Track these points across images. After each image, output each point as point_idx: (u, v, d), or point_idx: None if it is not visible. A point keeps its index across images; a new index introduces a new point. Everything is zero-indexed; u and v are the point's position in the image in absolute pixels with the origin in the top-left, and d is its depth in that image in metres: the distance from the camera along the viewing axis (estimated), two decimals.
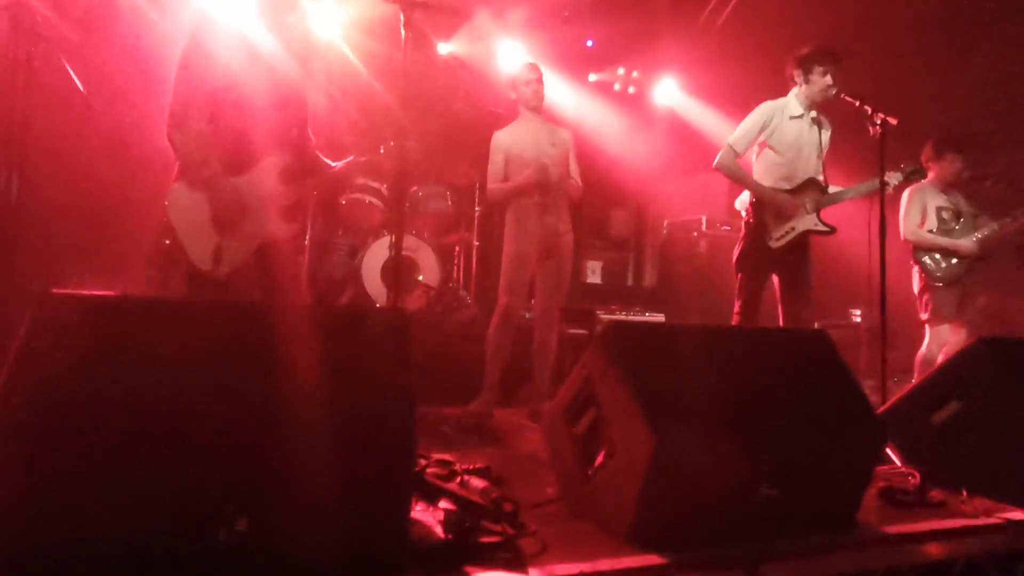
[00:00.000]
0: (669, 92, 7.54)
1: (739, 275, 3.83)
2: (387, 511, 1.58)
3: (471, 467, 2.08)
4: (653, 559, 1.73)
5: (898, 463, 2.63)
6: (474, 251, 5.95)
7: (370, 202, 5.27)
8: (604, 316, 5.16)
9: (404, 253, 4.73)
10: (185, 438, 1.45)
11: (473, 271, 5.96)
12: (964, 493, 2.41)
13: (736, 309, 3.81)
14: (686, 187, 7.41)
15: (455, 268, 5.89)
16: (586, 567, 1.66)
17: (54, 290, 1.50)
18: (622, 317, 5.28)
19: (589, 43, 7.18)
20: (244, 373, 1.56)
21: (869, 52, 4.91)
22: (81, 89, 3.88)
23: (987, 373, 2.58)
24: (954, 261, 4.32)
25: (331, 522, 1.52)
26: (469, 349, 4.63)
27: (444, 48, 6.36)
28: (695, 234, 6.41)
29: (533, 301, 3.98)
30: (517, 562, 1.64)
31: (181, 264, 2.65)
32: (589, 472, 2.02)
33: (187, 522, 1.41)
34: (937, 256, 4.35)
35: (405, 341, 1.75)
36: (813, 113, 3.81)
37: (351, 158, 3.14)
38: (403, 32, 2.89)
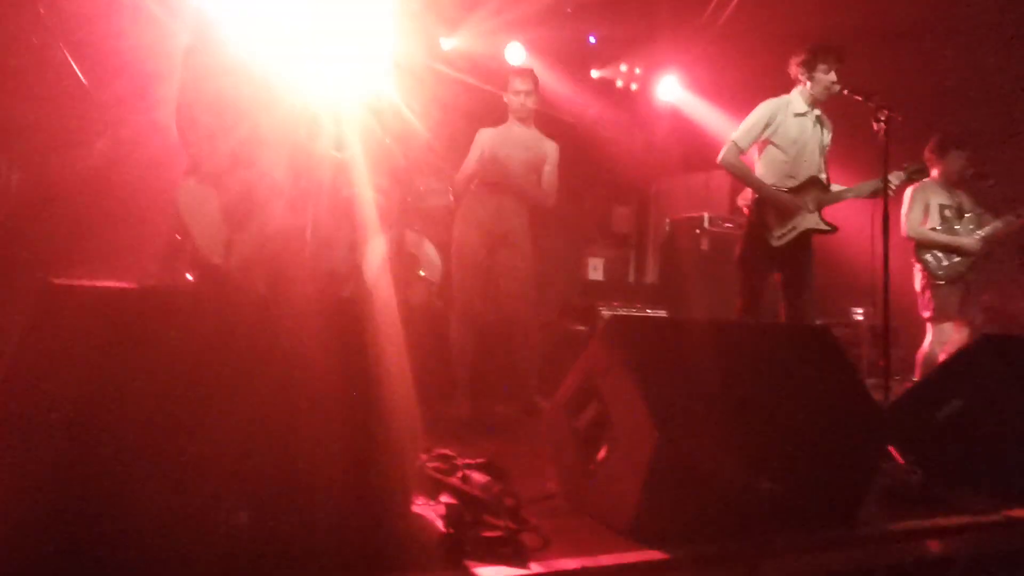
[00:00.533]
0: (671, 89, 7.52)
1: (741, 273, 3.82)
2: (389, 506, 1.58)
3: (472, 461, 2.08)
4: (655, 554, 1.73)
5: (901, 460, 2.62)
6: None
7: (373, 198, 5.26)
8: (606, 312, 5.15)
9: (405, 249, 4.72)
10: (187, 430, 1.45)
11: None
12: (966, 490, 2.41)
13: (738, 306, 3.81)
14: (688, 184, 7.40)
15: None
16: (588, 562, 1.66)
17: (55, 281, 1.50)
18: (625, 312, 5.28)
19: (591, 39, 7.16)
20: (247, 366, 1.55)
21: (871, 49, 4.89)
22: (83, 81, 3.87)
23: (989, 371, 2.58)
24: (956, 259, 4.31)
25: (333, 516, 1.52)
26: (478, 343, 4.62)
27: (447, 43, 6.35)
28: (697, 231, 6.39)
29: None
30: (519, 557, 1.64)
31: (189, 258, 2.65)
32: (591, 467, 2.02)
33: (189, 515, 1.41)
34: (939, 254, 4.34)
35: (407, 334, 1.74)
36: (817, 111, 3.80)
37: (357, 148, 3.11)
38: (410, 25, 2.87)
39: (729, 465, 1.87)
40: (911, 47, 5.66)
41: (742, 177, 3.80)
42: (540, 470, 2.34)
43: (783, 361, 2.20)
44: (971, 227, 4.36)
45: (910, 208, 4.40)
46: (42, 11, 3.83)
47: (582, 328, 5.13)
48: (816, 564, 1.85)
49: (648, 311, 5.46)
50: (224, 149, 2.60)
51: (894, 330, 3.73)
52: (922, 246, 4.37)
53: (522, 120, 3.85)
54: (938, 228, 4.36)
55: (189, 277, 3.17)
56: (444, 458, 2.07)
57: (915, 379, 4.08)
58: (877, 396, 3.04)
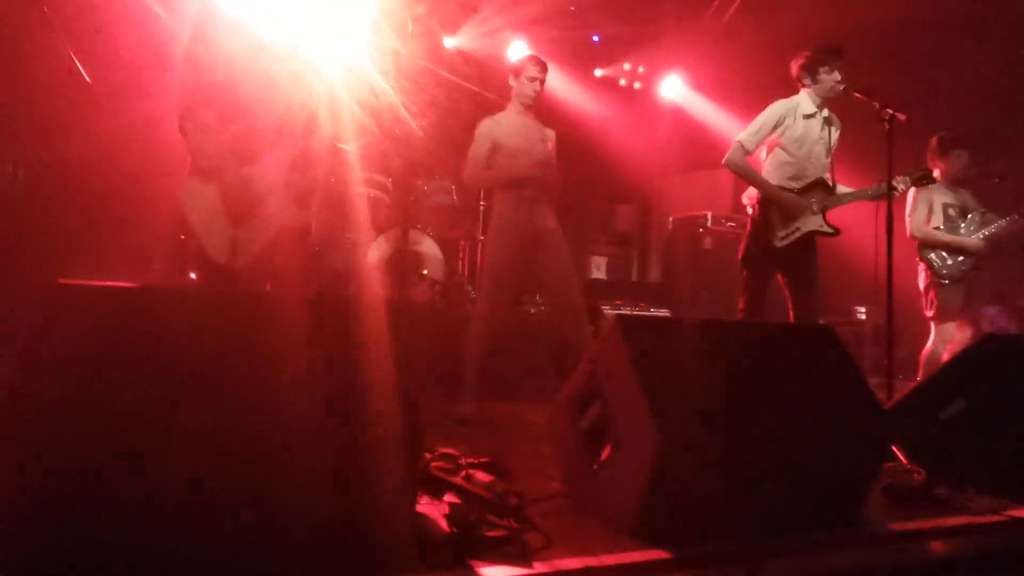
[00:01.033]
0: (674, 88, 7.52)
1: (744, 272, 3.82)
2: (392, 505, 1.58)
3: (475, 461, 2.08)
4: (658, 554, 1.73)
5: (904, 460, 2.62)
6: (478, 245, 5.95)
7: (375, 196, 5.27)
8: (609, 311, 5.15)
9: (408, 247, 4.73)
10: (193, 429, 1.45)
11: (477, 265, 5.96)
12: (969, 490, 2.41)
13: (740, 306, 3.81)
14: (691, 183, 7.40)
15: (459, 262, 5.89)
16: (591, 562, 1.66)
17: (63, 281, 1.50)
18: (627, 312, 5.28)
19: (595, 38, 7.16)
20: (252, 365, 1.56)
21: (875, 49, 4.89)
22: (87, 79, 3.88)
23: (993, 371, 2.58)
24: (960, 258, 4.30)
25: (336, 516, 1.52)
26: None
27: (450, 42, 6.35)
28: (700, 230, 6.40)
29: (539, 297, 3.94)
30: (522, 556, 1.64)
31: (194, 258, 2.66)
32: (594, 466, 2.02)
33: (195, 515, 1.41)
34: (943, 253, 4.33)
35: (411, 334, 1.75)
36: (826, 112, 3.79)
37: (363, 141, 3.10)
38: (410, 25, 2.87)
39: (732, 465, 1.87)
40: (915, 45, 5.66)
41: (748, 178, 3.80)
42: (543, 470, 2.35)
43: (787, 361, 2.19)
44: (975, 226, 4.35)
45: (914, 207, 4.40)
46: (47, 10, 3.84)
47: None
48: (819, 564, 1.84)
49: (651, 310, 5.46)
50: (224, 144, 2.60)
51: (897, 329, 3.73)
52: (926, 245, 4.37)
53: (527, 108, 3.83)
54: (942, 227, 4.36)
55: (192, 277, 3.18)
56: (448, 457, 2.07)
57: (918, 379, 4.08)
58: (880, 396, 3.04)
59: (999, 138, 5.14)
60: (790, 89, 3.86)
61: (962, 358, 2.70)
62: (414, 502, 1.66)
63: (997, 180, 4.56)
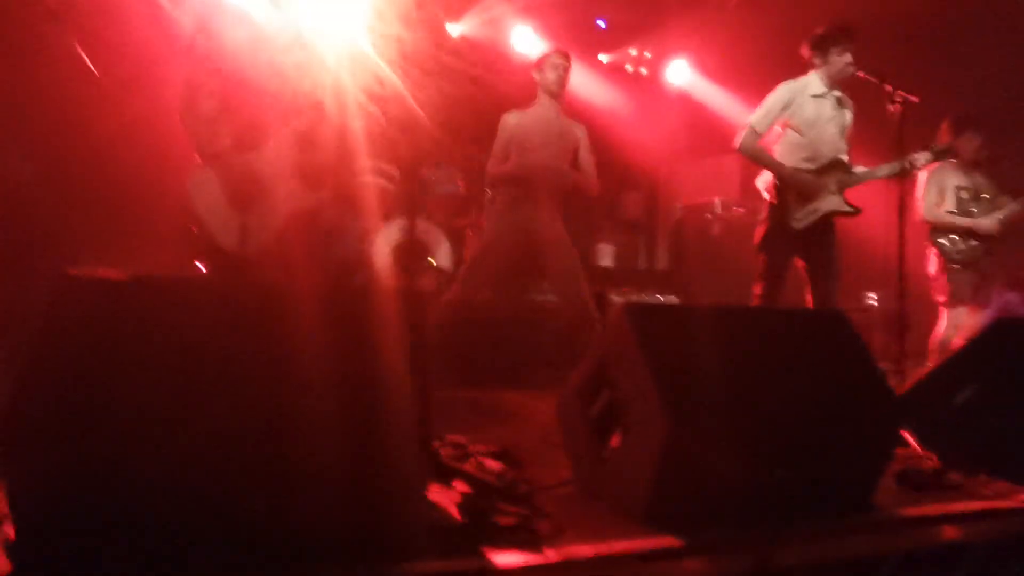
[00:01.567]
0: (681, 73, 7.46)
1: (761, 257, 3.76)
2: (403, 493, 1.59)
3: (485, 449, 2.08)
4: (668, 540, 1.73)
5: (916, 446, 2.61)
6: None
7: (382, 185, 5.26)
8: (616, 299, 5.14)
9: (415, 236, 4.73)
10: (204, 419, 1.45)
11: None
12: (982, 476, 2.39)
13: (757, 292, 3.76)
14: (699, 169, 7.36)
15: (466, 251, 5.88)
16: (602, 548, 1.66)
17: (70, 272, 1.50)
18: (636, 299, 5.27)
19: (600, 23, 7.10)
20: (263, 354, 1.56)
21: (885, 31, 4.83)
22: (94, 71, 3.87)
23: (1006, 356, 2.56)
24: (972, 243, 4.26)
25: (347, 504, 1.52)
26: (482, 332, 4.63)
27: (455, 29, 6.31)
28: (708, 216, 6.37)
29: (547, 285, 3.92)
30: (533, 543, 1.64)
31: (203, 247, 2.66)
32: (604, 454, 2.02)
33: (205, 504, 1.42)
34: (955, 237, 4.29)
35: (421, 321, 1.75)
36: (837, 92, 3.74)
37: (369, 128, 3.06)
38: (415, 12, 2.85)
39: (742, 451, 1.86)
40: (926, 26, 5.59)
41: (761, 161, 3.76)
42: (553, 457, 2.34)
43: (797, 346, 2.18)
44: (988, 209, 4.30)
45: (925, 191, 4.35)
46: (52, 2, 3.83)
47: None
48: (830, 550, 1.84)
49: (659, 297, 5.44)
50: (224, 132, 2.60)
51: (907, 315, 3.70)
52: (937, 229, 4.32)
53: (553, 96, 3.79)
54: (954, 211, 4.31)
55: (201, 266, 3.18)
56: (457, 445, 2.07)
57: (929, 364, 4.05)
58: (891, 381, 3.02)
59: (1010, 120, 5.08)
60: (799, 72, 3.82)
61: (975, 343, 2.68)
62: (426, 487, 1.66)
63: (1008, 163, 4.51)
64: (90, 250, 4.39)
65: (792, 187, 3.66)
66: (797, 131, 3.71)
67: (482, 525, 1.67)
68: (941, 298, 4.33)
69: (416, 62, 3.01)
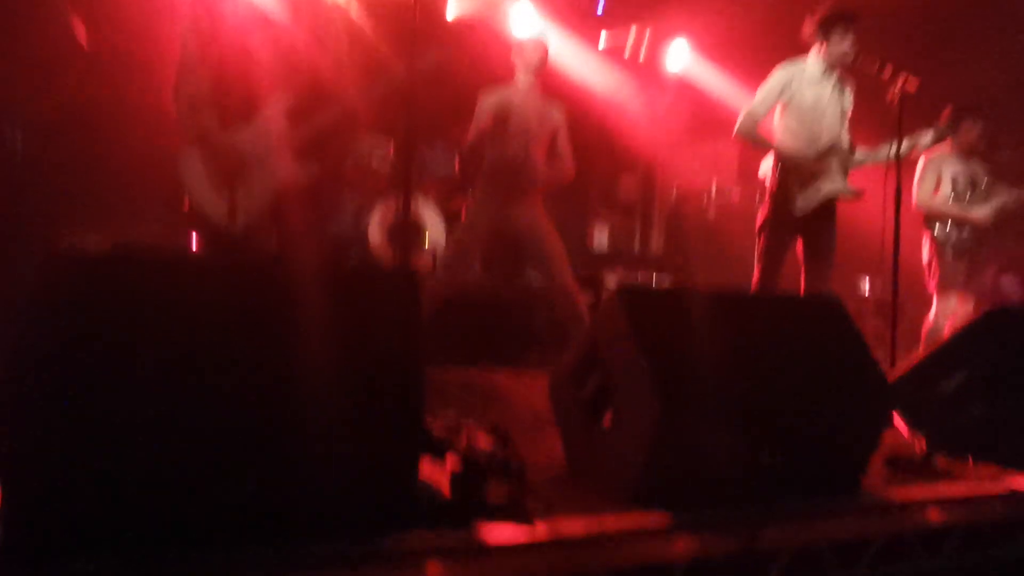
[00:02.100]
0: (681, 55, 7.40)
1: (761, 240, 3.76)
2: (395, 468, 1.59)
3: (478, 426, 2.09)
4: (658, 518, 1.74)
5: (905, 430, 2.63)
6: None
7: (376, 163, 5.24)
8: (611, 280, 5.15)
9: (410, 215, 4.71)
10: (194, 395, 1.45)
11: None
12: (970, 461, 2.42)
13: (756, 275, 3.77)
14: (696, 153, 7.33)
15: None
16: (592, 524, 1.68)
17: (60, 247, 1.50)
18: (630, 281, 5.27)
19: (600, 6, 7.05)
20: (255, 330, 1.56)
21: (886, 16, 4.80)
22: (83, 44, 3.83)
23: (996, 343, 2.58)
24: (966, 231, 4.27)
25: (340, 479, 1.53)
26: (475, 312, 4.63)
27: (453, 8, 6.25)
28: (704, 200, 6.37)
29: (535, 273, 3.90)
30: (524, 520, 1.65)
31: (197, 222, 2.66)
32: (595, 434, 2.03)
33: (196, 480, 1.42)
34: (949, 225, 4.30)
35: (415, 301, 1.74)
36: (835, 74, 3.72)
37: (370, 91, 3.01)
38: None
39: (733, 433, 1.88)
40: (927, 14, 5.56)
41: (760, 146, 3.74)
42: (545, 437, 2.36)
43: (791, 330, 2.19)
44: (983, 198, 4.31)
45: (922, 178, 4.36)
46: None
47: (587, 296, 5.13)
48: (818, 531, 1.86)
49: (653, 279, 5.45)
50: (209, 113, 2.60)
51: (900, 302, 3.72)
52: (932, 217, 4.34)
53: (531, 84, 3.74)
54: (949, 199, 4.32)
55: (194, 240, 3.17)
56: (450, 421, 2.08)
57: (920, 350, 4.08)
58: (883, 366, 3.04)
59: (1009, 110, 5.08)
60: (799, 56, 3.79)
61: (966, 330, 2.70)
62: (418, 463, 1.67)
63: (1006, 152, 4.52)
64: (82, 221, 4.38)
65: (793, 170, 3.64)
66: (796, 114, 3.69)
67: (473, 501, 1.68)
68: (933, 285, 4.35)
69: (415, 41, 2.97)
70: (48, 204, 4.19)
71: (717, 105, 6.86)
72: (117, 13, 4.46)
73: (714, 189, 6.36)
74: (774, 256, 3.71)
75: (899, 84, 3.41)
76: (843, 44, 3.61)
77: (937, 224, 4.32)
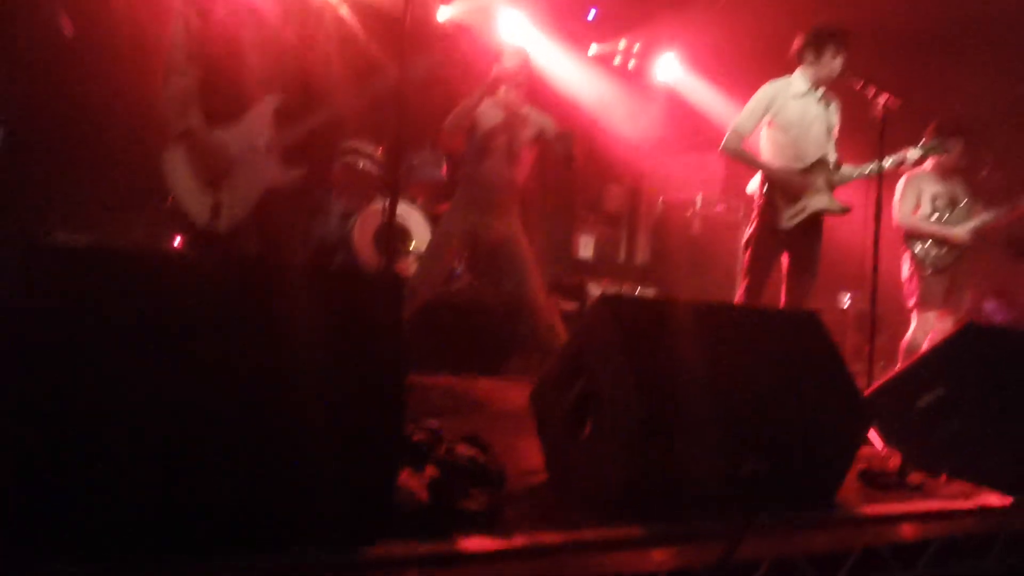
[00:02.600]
0: (669, 68, 7.46)
1: (747, 254, 3.79)
2: (375, 476, 1.59)
3: (458, 434, 2.09)
4: (637, 530, 1.75)
5: (880, 445, 2.66)
6: None
7: (364, 166, 5.23)
8: (596, 290, 5.17)
9: (397, 220, 4.70)
10: (171, 397, 1.44)
11: None
12: (943, 476, 2.45)
13: (741, 288, 3.80)
14: (683, 165, 7.38)
15: None
16: (571, 536, 1.68)
17: (38, 241, 1.48)
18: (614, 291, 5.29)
19: (591, 14, 7.09)
20: (234, 332, 1.54)
21: (869, 35, 4.87)
22: (68, 36, 3.80)
23: (971, 361, 2.61)
24: (944, 249, 4.33)
25: (318, 485, 1.52)
26: (458, 318, 4.63)
27: (444, 13, 6.27)
28: (689, 212, 6.41)
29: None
30: (502, 529, 1.65)
31: (179, 221, 2.65)
32: (576, 443, 2.04)
33: (175, 486, 1.41)
34: (928, 243, 4.36)
35: (398, 307, 1.74)
36: (821, 91, 3.76)
37: (353, 105, 3.00)
38: None
39: (713, 444, 1.89)
40: (910, 34, 5.65)
41: (746, 162, 3.77)
42: (525, 446, 2.36)
43: (770, 344, 2.21)
44: (962, 217, 4.37)
45: (902, 197, 4.41)
46: None
47: (571, 305, 5.15)
48: (794, 544, 1.88)
49: (638, 290, 5.48)
50: (195, 110, 2.59)
51: (879, 317, 3.76)
52: (912, 235, 4.39)
53: (508, 95, 3.64)
54: (929, 217, 4.38)
55: (177, 240, 3.14)
56: (430, 430, 2.07)
57: (898, 366, 4.13)
58: (861, 382, 3.07)
59: (989, 130, 5.17)
60: (787, 71, 3.83)
61: (942, 347, 2.73)
62: (397, 472, 1.66)
63: (985, 173, 4.58)
64: (64, 217, 4.33)
65: (779, 186, 3.68)
66: (782, 130, 3.73)
67: (452, 510, 1.68)
68: (911, 302, 4.40)
69: (404, 42, 2.96)
70: (29, 200, 4.14)
71: (704, 117, 6.93)
72: (105, 6, 4.43)
73: (699, 201, 6.40)
74: (760, 270, 3.74)
75: (882, 102, 3.46)
76: (833, 63, 3.65)
77: (917, 242, 4.37)
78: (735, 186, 6.31)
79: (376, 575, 1.45)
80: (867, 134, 3.61)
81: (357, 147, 5.22)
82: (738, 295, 3.82)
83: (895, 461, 2.50)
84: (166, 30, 2.66)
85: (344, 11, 5.05)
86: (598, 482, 1.91)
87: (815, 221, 3.70)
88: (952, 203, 4.41)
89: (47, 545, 1.30)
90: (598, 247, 7.21)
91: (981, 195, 4.47)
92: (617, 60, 7.35)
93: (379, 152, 5.28)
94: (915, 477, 2.43)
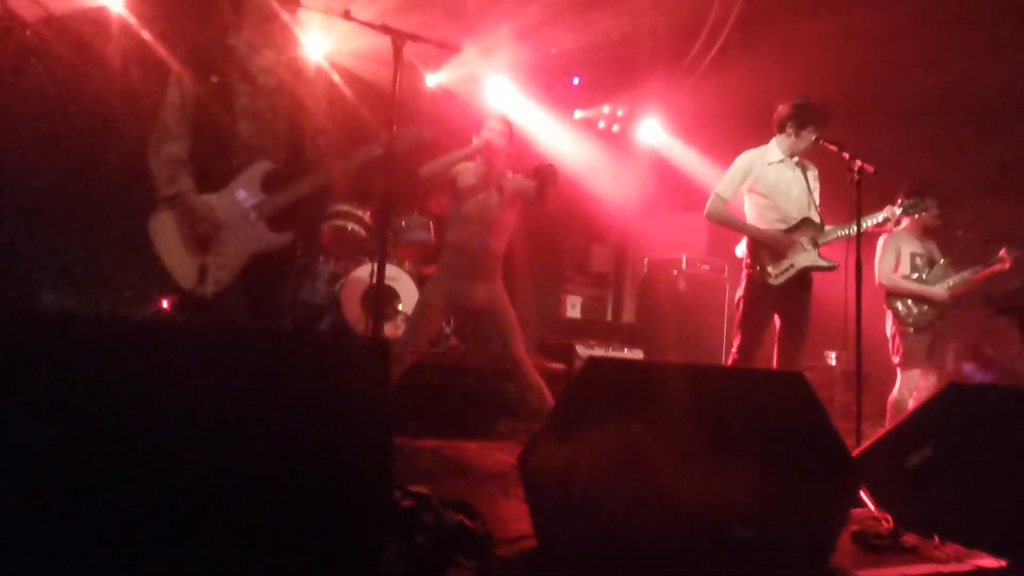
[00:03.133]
0: (652, 132, 7.66)
1: (739, 312, 3.85)
2: (361, 543, 1.56)
3: (446, 500, 2.06)
4: None
5: (872, 507, 2.64)
6: None
7: (352, 229, 5.27)
8: (583, 351, 5.17)
9: (385, 282, 4.72)
10: (154, 462, 1.42)
11: None
12: (936, 538, 2.42)
13: (735, 346, 3.83)
14: (667, 225, 7.51)
15: None
16: None
17: (25, 307, 1.48)
18: (601, 352, 5.30)
19: (575, 80, 7.31)
20: (220, 397, 1.53)
21: (843, 100, 5.05)
22: (61, 103, 3.86)
23: (957, 418, 2.62)
24: (925, 307, 4.40)
25: (304, 552, 1.49)
26: (446, 381, 4.61)
27: (432, 79, 6.44)
28: (675, 272, 6.47)
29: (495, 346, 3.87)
30: None
31: (166, 284, 2.65)
32: (566, 508, 2.01)
33: (160, 545, 1.38)
34: (909, 301, 4.43)
35: (385, 371, 1.74)
36: (795, 159, 3.89)
37: (341, 169, 3.01)
38: (394, 62, 2.91)
39: (702, 509, 1.87)
40: (883, 98, 5.85)
41: (730, 225, 3.89)
42: (514, 511, 2.33)
43: (757, 406, 2.21)
44: (940, 276, 4.46)
45: (882, 256, 4.51)
46: (28, 33, 3.84)
47: (559, 366, 5.14)
48: None
49: (625, 350, 5.49)
50: (184, 174, 2.63)
51: (866, 374, 3.78)
52: (893, 293, 4.47)
53: (488, 161, 3.69)
54: (910, 276, 4.46)
55: (164, 304, 3.13)
56: (417, 496, 2.04)
57: (885, 424, 4.13)
58: (849, 441, 3.07)
59: (961, 192, 5.32)
60: (764, 133, 3.97)
61: (928, 405, 2.74)
62: (383, 540, 1.63)
63: (960, 232, 4.70)
64: (52, 278, 4.32)
65: (764, 245, 3.77)
66: (763, 196, 3.86)
67: None
68: (896, 359, 4.44)
69: (394, 107, 3.03)
70: (17, 262, 4.14)
71: (687, 179, 7.09)
72: (106, 74, 4.53)
73: (684, 261, 6.48)
74: (753, 328, 3.80)
75: (857, 166, 3.57)
76: (810, 139, 3.81)
77: (898, 301, 4.44)
78: (719, 246, 6.42)
79: None
80: (844, 196, 3.71)
81: (345, 210, 5.28)
82: (732, 353, 3.85)
83: (888, 523, 2.48)
84: (159, 94, 2.71)
85: (335, 77, 5.18)
86: (589, 548, 1.88)
87: (804, 280, 3.78)
88: (930, 262, 4.51)
89: None
90: (585, 307, 7.26)
91: (957, 255, 4.58)
92: (601, 124, 7.55)
93: (367, 215, 5.34)
94: (909, 539, 2.40)
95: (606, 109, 7.52)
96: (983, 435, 2.56)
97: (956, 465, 2.52)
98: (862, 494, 2.64)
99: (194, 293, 2.62)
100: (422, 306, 3.73)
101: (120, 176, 4.32)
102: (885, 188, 4.06)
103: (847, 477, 2.23)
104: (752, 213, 3.90)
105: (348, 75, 5.46)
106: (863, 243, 3.62)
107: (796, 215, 3.81)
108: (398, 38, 2.87)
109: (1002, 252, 4.44)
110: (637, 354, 5.48)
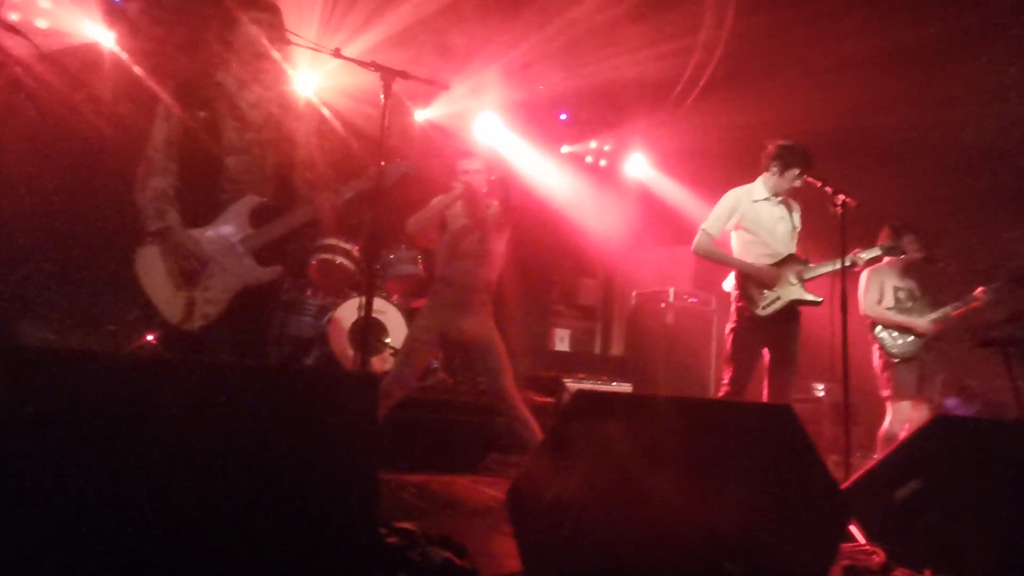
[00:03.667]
0: (639, 166, 7.76)
1: (729, 345, 3.88)
2: None
3: (432, 536, 2.03)
4: None
5: (862, 540, 2.62)
6: None
7: (340, 263, 5.27)
8: (571, 384, 5.15)
9: (373, 316, 4.71)
10: (139, 498, 1.40)
11: None
12: (927, 572, 2.41)
13: (726, 378, 3.83)
14: (654, 258, 7.56)
15: None
16: None
17: (22, 345, 1.47)
18: (589, 386, 5.28)
19: (562, 116, 7.41)
20: (205, 433, 1.52)
21: (827, 135, 5.14)
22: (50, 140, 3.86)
23: (945, 451, 2.63)
24: (910, 338, 4.44)
25: None
26: (434, 415, 4.58)
27: (421, 115, 6.51)
28: (663, 305, 6.50)
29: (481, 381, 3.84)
30: None
31: (153, 318, 2.62)
32: (553, 543, 1.99)
33: None
34: (895, 333, 4.47)
35: (372, 406, 1.73)
36: (779, 197, 3.96)
37: (338, 195, 3.00)
38: (382, 99, 2.94)
39: (691, 545, 1.86)
40: (865, 139, 5.96)
41: (718, 259, 3.95)
42: (501, 547, 2.30)
43: (744, 439, 2.21)
44: (924, 309, 4.52)
45: (867, 289, 4.57)
46: (18, 70, 3.85)
47: (548, 400, 5.12)
48: None
49: (614, 383, 5.48)
50: (172, 209, 2.62)
51: (855, 407, 3.80)
52: (877, 324, 4.51)
53: (475, 195, 3.66)
54: (893, 309, 4.52)
55: (151, 339, 3.10)
56: (403, 532, 2.02)
57: (876, 457, 4.12)
58: (838, 473, 3.06)
59: (942, 227, 5.41)
60: (749, 167, 4.05)
61: (916, 438, 2.75)
62: None
63: (941, 264, 4.77)
64: (37, 313, 4.28)
65: (751, 278, 3.82)
66: (749, 232, 3.92)
67: None
68: (886, 392, 4.47)
69: (383, 143, 3.05)
70: (2, 298, 4.10)
71: (674, 212, 7.16)
72: (86, 102, 4.55)
73: (672, 294, 6.51)
74: (744, 360, 3.82)
75: (840, 201, 3.64)
76: (794, 179, 3.88)
77: (883, 332, 4.49)
78: (706, 279, 6.46)
79: None
80: (829, 229, 3.77)
81: (333, 244, 5.28)
82: (723, 386, 3.85)
83: (879, 556, 2.46)
84: (148, 129, 2.72)
85: (324, 111, 5.23)
86: None
87: (792, 314, 3.81)
88: (912, 297, 4.57)
89: None
90: (574, 340, 7.25)
91: (937, 288, 4.65)
92: (588, 159, 7.64)
93: (355, 249, 5.34)
94: (900, 573, 2.39)
95: (593, 144, 7.62)
96: (970, 468, 2.56)
97: (944, 498, 2.52)
98: (853, 528, 2.63)
99: (181, 328, 2.60)
100: (411, 340, 3.72)
101: (108, 211, 4.32)
102: (869, 222, 4.13)
103: (836, 511, 2.22)
104: (739, 248, 3.96)
105: (337, 111, 5.51)
106: (847, 277, 3.67)
107: (782, 250, 3.88)
108: (387, 75, 2.91)
109: (978, 291, 4.50)
110: (626, 387, 5.47)
